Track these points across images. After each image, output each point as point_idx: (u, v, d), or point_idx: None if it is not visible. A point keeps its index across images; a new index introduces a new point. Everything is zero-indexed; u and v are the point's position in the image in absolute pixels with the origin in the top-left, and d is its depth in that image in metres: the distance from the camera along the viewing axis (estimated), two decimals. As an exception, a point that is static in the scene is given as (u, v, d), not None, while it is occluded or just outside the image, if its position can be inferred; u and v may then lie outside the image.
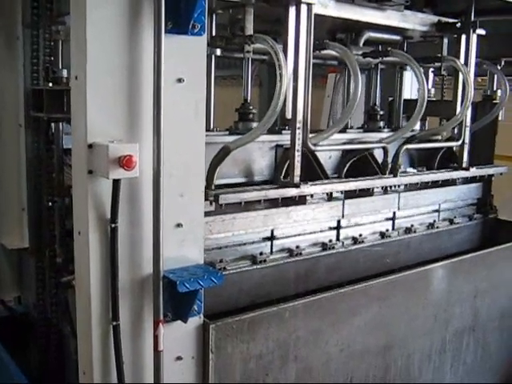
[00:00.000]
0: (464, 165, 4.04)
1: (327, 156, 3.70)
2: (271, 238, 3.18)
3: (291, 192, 3.10)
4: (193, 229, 2.53)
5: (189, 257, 2.52)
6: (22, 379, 3.21)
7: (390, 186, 3.69)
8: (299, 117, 3.03)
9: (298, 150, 3.05)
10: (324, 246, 3.36)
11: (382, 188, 3.67)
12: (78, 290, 2.48)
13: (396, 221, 3.79)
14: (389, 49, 3.70)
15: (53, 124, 3.25)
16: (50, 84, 3.20)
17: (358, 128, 4.23)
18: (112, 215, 2.28)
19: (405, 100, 4.79)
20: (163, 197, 2.32)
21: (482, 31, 3.81)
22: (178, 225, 2.48)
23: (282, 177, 3.23)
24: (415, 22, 3.70)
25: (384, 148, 3.66)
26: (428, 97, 4.55)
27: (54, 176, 3.26)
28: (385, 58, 3.85)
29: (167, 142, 2.31)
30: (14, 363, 3.32)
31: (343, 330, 3.14)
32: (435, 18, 3.81)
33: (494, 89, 4.69)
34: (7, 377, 3.33)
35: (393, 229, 3.74)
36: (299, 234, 3.32)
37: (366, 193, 3.59)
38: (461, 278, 3.77)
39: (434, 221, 3.97)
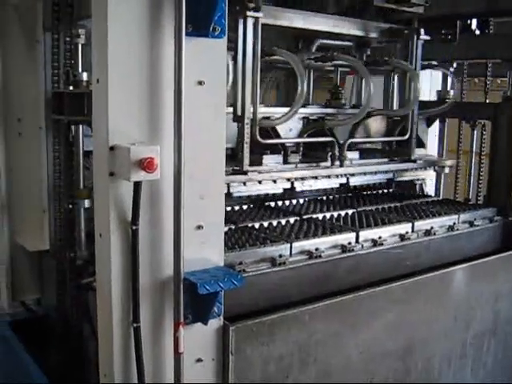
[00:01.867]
0: (412, 157, 4.32)
1: (288, 128, 3.89)
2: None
3: (240, 178, 3.41)
4: (213, 231, 2.53)
5: (209, 259, 2.53)
6: (43, 380, 3.23)
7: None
8: (247, 113, 3.32)
9: (246, 143, 3.37)
10: (343, 249, 3.35)
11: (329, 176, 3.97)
12: (98, 292, 2.50)
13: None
14: (335, 53, 3.98)
15: (73, 127, 3.27)
16: (71, 87, 3.22)
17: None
18: (133, 217, 2.29)
19: (421, 101, 4.79)
20: (184, 199, 2.33)
21: (425, 37, 4.16)
22: (199, 227, 2.48)
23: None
24: (368, 29, 4.01)
25: (329, 129, 3.96)
26: (447, 98, 4.61)
27: (74, 178, 3.28)
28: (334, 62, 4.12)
29: (188, 145, 2.32)
30: (35, 364, 3.34)
31: (363, 333, 3.13)
32: (386, 26, 4.11)
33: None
34: (28, 378, 3.35)
35: (412, 231, 3.71)
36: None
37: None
38: (481, 281, 3.74)
39: (454, 223, 3.94)
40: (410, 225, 3.72)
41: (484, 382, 3.92)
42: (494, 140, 4.41)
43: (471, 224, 4.03)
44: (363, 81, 4.04)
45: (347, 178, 4.07)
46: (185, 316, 2.41)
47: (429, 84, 5.05)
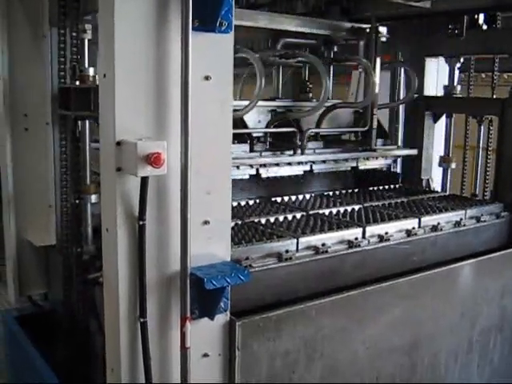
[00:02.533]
0: (373, 146, 4.55)
1: (257, 120, 4.13)
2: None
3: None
4: (220, 226, 2.53)
5: (216, 254, 2.53)
6: (50, 375, 3.24)
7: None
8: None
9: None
10: (350, 244, 3.34)
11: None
12: (105, 287, 2.50)
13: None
14: (296, 51, 4.29)
15: (79, 122, 3.27)
16: (77, 82, 3.22)
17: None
18: (140, 212, 2.29)
19: (427, 97, 4.80)
20: (190, 194, 2.33)
21: (385, 35, 4.39)
22: (205, 222, 2.48)
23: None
24: (331, 28, 4.30)
25: (295, 120, 4.22)
26: (453, 93, 4.61)
27: (80, 173, 3.29)
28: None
29: (194, 140, 2.32)
30: (42, 359, 3.36)
31: (370, 328, 3.13)
32: (349, 25, 4.36)
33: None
34: (35, 372, 3.36)
35: (419, 226, 3.70)
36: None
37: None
38: (488, 277, 3.73)
39: (461, 219, 3.93)
40: (416, 220, 3.70)
41: (489, 382, 3.92)
42: (501, 135, 4.39)
43: (478, 220, 4.01)
44: (322, 78, 4.09)
45: (311, 166, 4.27)
46: (191, 311, 2.41)
47: (435, 78, 5.01)
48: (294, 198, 4.25)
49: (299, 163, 4.19)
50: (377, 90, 4.36)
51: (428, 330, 3.44)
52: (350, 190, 4.58)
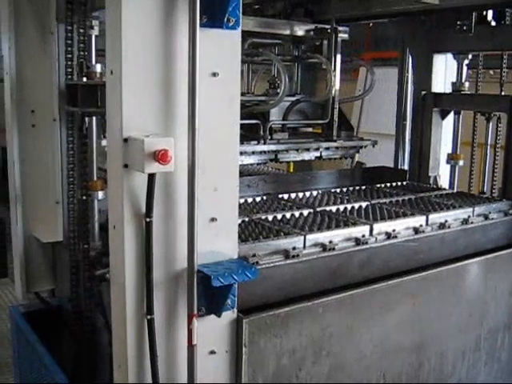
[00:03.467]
0: (334, 138, 4.82)
1: None
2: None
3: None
4: (227, 223, 2.52)
5: (223, 251, 2.52)
6: (57, 371, 3.25)
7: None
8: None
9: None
10: (357, 241, 3.33)
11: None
12: (112, 284, 2.50)
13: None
14: (260, 50, 4.70)
15: (87, 118, 3.27)
16: (84, 79, 3.22)
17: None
18: (147, 209, 2.29)
19: (435, 94, 4.79)
20: (197, 191, 2.32)
21: (344, 35, 4.69)
22: (213, 219, 2.48)
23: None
24: (297, 29, 4.60)
25: (261, 114, 4.47)
26: (461, 90, 4.60)
27: (87, 169, 3.29)
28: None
29: (202, 136, 2.31)
30: (49, 355, 3.36)
31: (376, 327, 3.12)
32: (312, 26, 4.65)
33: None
34: (42, 368, 3.37)
35: (426, 224, 3.68)
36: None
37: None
38: (496, 275, 3.71)
39: (469, 216, 3.90)
40: (424, 218, 3.68)
41: (497, 381, 3.90)
42: (510, 132, 4.36)
43: (486, 217, 3.99)
44: (281, 74, 4.37)
45: (275, 155, 4.53)
46: (198, 308, 2.40)
47: (443, 75, 4.99)
48: (301, 195, 4.24)
49: (263, 152, 4.44)
50: (337, 86, 4.67)
51: (435, 329, 3.43)
52: (357, 187, 4.56)
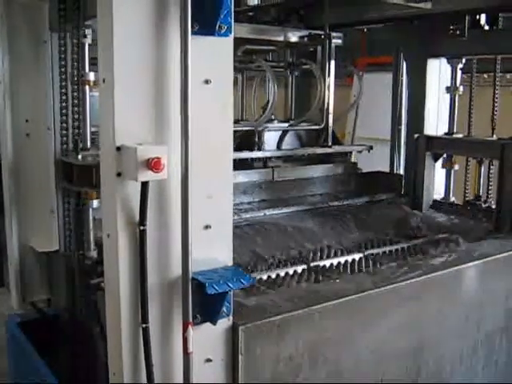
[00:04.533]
0: (329, 143, 4.98)
1: None
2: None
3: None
4: (221, 230, 2.52)
5: (218, 258, 2.51)
6: (53, 381, 3.24)
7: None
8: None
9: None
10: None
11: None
12: (107, 293, 2.49)
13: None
14: (254, 57, 4.81)
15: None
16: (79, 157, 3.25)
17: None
18: (141, 217, 2.28)
19: (428, 137, 4.82)
20: (191, 198, 2.32)
21: (338, 41, 4.80)
22: (207, 226, 2.47)
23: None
24: (291, 35, 4.69)
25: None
26: (454, 133, 4.86)
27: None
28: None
29: (195, 144, 2.30)
30: (45, 365, 3.35)
31: (374, 332, 3.10)
32: (306, 32, 4.76)
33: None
34: (37, 378, 3.36)
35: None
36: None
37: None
38: (493, 278, 3.70)
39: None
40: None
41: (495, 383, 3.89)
42: (501, 178, 4.30)
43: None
44: (270, 82, 4.61)
45: (272, 175, 4.61)
46: (193, 316, 2.39)
47: (437, 79, 5.00)
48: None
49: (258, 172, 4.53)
50: (332, 91, 4.78)
51: (432, 333, 3.42)
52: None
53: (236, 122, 4.60)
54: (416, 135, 4.82)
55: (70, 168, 3.31)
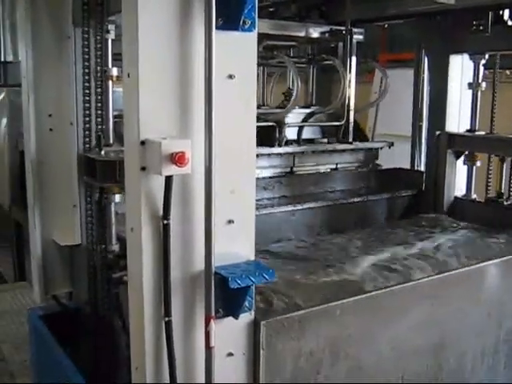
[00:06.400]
0: (350, 139, 4.88)
1: None
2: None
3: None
4: (244, 225, 2.52)
5: (240, 253, 2.52)
6: (76, 374, 3.26)
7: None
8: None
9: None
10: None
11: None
12: (130, 287, 2.50)
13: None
14: (275, 53, 4.72)
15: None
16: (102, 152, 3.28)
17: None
18: (164, 211, 2.29)
19: (449, 134, 4.78)
20: (214, 193, 2.32)
21: (359, 37, 4.74)
22: (230, 221, 2.47)
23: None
24: (312, 31, 4.65)
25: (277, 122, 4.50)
26: (476, 130, 4.80)
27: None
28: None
29: (218, 138, 2.31)
30: (67, 358, 3.38)
31: (394, 328, 3.10)
32: (327, 27, 4.71)
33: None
34: (60, 371, 3.38)
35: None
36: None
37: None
38: (514, 276, 3.67)
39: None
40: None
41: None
42: None
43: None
44: (294, 79, 4.48)
45: (291, 168, 4.63)
46: (216, 310, 2.40)
47: (460, 76, 4.96)
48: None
49: (278, 166, 4.53)
50: (353, 88, 4.71)
51: (454, 331, 3.40)
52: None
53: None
54: (437, 132, 4.79)
55: (92, 163, 3.32)
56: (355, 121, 4.86)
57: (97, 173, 3.23)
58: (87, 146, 3.45)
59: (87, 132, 3.43)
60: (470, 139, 4.75)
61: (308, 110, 4.79)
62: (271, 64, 5.10)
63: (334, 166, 4.88)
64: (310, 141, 4.93)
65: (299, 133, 4.72)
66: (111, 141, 3.32)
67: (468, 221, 4.56)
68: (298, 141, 4.69)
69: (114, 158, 3.18)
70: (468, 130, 4.83)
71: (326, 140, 5.10)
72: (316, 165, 4.72)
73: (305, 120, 4.75)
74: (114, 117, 3.33)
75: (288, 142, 4.55)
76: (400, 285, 3.12)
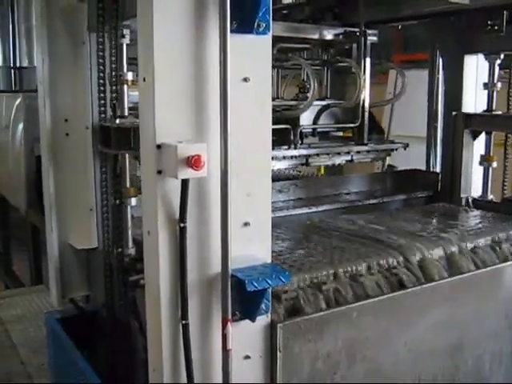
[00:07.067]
0: (364, 141, 4.74)
1: None
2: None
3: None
4: (260, 227, 2.53)
5: (256, 255, 2.52)
6: (92, 376, 3.28)
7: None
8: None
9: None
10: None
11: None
12: (147, 289, 2.52)
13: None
14: (289, 55, 4.74)
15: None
16: (117, 120, 3.26)
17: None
18: (181, 215, 2.30)
19: (466, 114, 4.72)
20: (230, 196, 2.33)
21: (373, 38, 4.65)
22: (246, 224, 2.48)
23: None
24: (326, 33, 4.58)
25: (291, 119, 4.36)
26: (493, 110, 4.68)
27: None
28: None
29: (234, 142, 2.32)
30: (85, 360, 3.40)
31: (412, 330, 3.08)
32: (341, 29, 4.63)
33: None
34: (78, 374, 3.40)
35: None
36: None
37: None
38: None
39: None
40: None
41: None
42: None
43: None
44: (310, 79, 4.43)
45: (306, 159, 4.46)
46: (233, 313, 2.41)
47: (475, 76, 4.93)
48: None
49: (294, 157, 4.37)
50: (368, 89, 4.61)
51: (471, 332, 3.38)
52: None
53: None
54: (454, 113, 4.74)
55: (108, 131, 3.31)
56: (371, 113, 4.79)
57: (111, 141, 3.23)
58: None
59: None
60: (488, 118, 4.66)
61: (323, 102, 4.75)
62: (285, 66, 5.08)
63: (349, 158, 4.79)
64: (325, 133, 4.87)
65: (315, 122, 4.70)
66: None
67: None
68: (314, 133, 4.66)
69: (128, 125, 3.17)
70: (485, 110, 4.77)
71: (341, 133, 5.08)
72: (332, 156, 4.64)
73: (319, 113, 4.68)
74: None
75: (303, 135, 4.48)
76: (417, 286, 3.10)
